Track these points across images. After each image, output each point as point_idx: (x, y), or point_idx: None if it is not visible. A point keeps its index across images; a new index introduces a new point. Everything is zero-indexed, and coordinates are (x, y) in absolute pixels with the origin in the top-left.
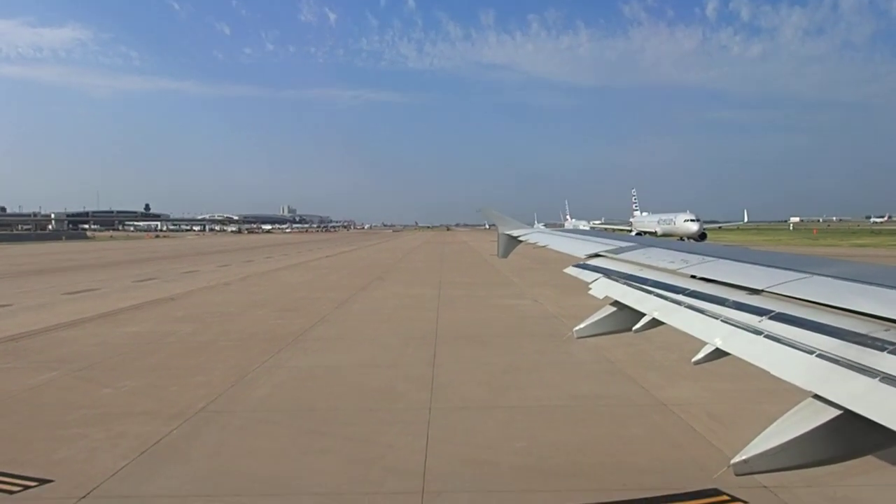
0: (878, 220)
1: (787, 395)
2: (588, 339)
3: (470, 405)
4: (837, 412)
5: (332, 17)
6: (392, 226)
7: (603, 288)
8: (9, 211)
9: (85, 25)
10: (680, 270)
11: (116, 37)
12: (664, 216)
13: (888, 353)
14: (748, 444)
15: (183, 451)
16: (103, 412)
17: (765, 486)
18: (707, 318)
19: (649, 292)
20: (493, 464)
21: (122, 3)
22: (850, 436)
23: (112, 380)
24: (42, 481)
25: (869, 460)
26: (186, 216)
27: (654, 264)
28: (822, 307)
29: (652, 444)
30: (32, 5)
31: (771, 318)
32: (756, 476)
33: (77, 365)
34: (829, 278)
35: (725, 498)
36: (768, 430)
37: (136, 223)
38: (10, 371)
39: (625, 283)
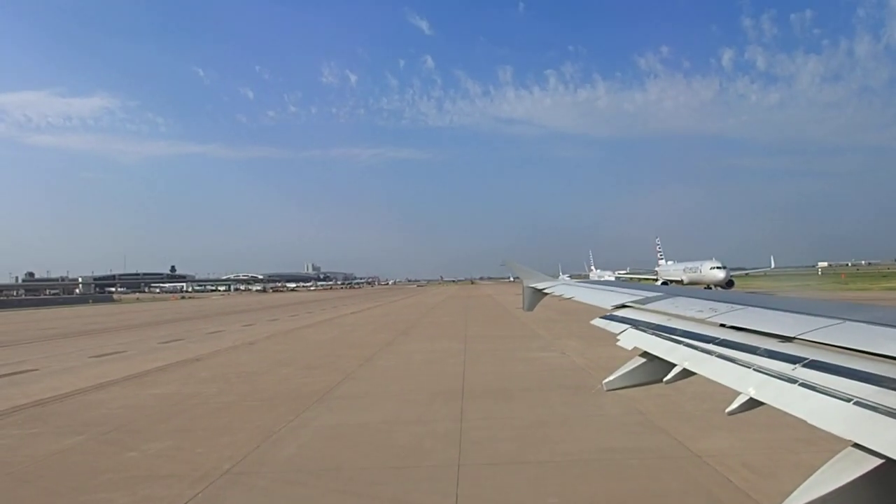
0: None
1: (826, 444)
2: (618, 391)
3: (499, 461)
4: (879, 461)
5: (353, 78)
6: (416, 281)
7: (631, 339)
8: (37, 276)
9: (113, 94)
10: (709, 319)
11: (143, 104)
12: (690, 264)
13: None
14: (788, 495)
15: None
16: (129, 476)
17: None
18: (739, 366)
19: (679, 342)
20: None
21: (148, 72)
22: (893, 485)
23: (137, 443)
24: None
25: None
26: (212, 277)
27: (683, 313)
28: (856, 353)
29: (688, 497)
30: (63, 76)
31: (805, 365)
32: None
33: (103, 428)
34: (863, 323)
35: None
36: (809, 480)
37: (161, 285)
38: (36, 436)
39: (653, 334)
